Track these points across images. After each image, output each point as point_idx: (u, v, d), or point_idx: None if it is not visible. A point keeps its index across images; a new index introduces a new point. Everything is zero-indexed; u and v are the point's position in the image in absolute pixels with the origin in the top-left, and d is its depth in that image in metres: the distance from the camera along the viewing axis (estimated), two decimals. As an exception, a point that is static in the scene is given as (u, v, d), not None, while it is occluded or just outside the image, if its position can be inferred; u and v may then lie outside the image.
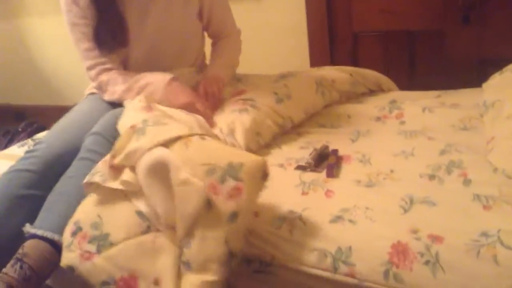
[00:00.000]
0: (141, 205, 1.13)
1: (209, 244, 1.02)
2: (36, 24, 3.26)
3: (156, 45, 1.57)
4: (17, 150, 1.63)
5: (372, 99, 1.73)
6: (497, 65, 1.63)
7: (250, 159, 1.07)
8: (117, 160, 1.14)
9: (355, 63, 2.35)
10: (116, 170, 1.16)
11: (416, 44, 2.23)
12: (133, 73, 1.50)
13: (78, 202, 1.20)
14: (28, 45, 3.37)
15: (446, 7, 2.10)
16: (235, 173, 1.02)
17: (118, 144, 1.17)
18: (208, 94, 1.50)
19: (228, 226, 1.01)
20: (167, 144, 1.11)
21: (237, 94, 1.59)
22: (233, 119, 1.41)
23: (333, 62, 2.41)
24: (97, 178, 1.16)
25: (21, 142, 1.72)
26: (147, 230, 1.12)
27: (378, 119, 1.58)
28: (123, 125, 1.25)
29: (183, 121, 1.23)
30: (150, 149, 1.10)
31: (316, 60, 2.43)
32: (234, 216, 1.01)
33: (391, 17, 2.23)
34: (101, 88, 1.53)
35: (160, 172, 1.07)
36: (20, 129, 3.02)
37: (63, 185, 1.26)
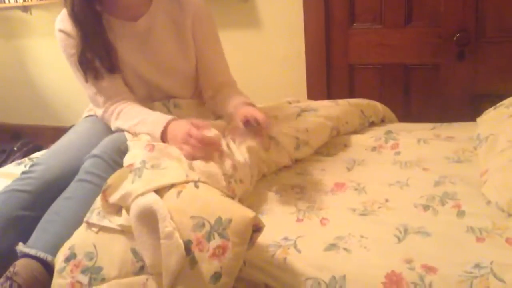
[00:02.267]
0: (136, 245, 1.11)
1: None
2: (37, 45, 3.29)
3: (154, 80, 1.57)
4: (13, 169, 1.62)
5: (368, 129, 1.75)
6: (491, 100, 1.66)
7: (240, 215, 1.02)
8: (111, 200, 1.13)
9: (351, 94, 2.38)
10: (111, 206, 1.15)
11: (411, 77, 2.27)
12: (135, 109, 1.47)
13: (74, 224, 1.19)
14: (28, 65, 3.40)
15: (441, 42, 2.14)
16: (222, 230, 1.00)
17: (112, 179, 1.16)
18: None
19: (210, 286, 0.98)
20: (160, 190, 1.09)
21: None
22: (252, 148, 1.41)
23: (330, 92, 2.44)
24: (94, 218, 1.15)
25: (18, 161, 1.72)
26: (140, 271, 1.10)
27: (374, 149, 1.59)
28: (126, 161, 1.24)
29: (182, 162, 1.20)
30: (142, 194, 1.09)
31: (313, 89, 2.46)
32: (217, 277, 0.98)
33: (387, 50, 2.27)
34: (106, 119, 1.52)
35: (149, 220, 1.06)
36: (15, 148, 3.02)
37: (60, 206, 1.25)
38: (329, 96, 2.42)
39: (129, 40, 1.52)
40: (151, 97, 1.58)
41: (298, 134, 1.56)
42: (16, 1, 3.01)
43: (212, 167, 1.21)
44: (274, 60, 2.57)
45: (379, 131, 1.71)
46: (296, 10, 2.41)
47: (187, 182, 1.12)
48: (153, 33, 1.54)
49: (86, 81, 1.48)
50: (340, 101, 1.82)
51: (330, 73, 2.44)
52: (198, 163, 1.20)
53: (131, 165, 1.18)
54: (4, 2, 3.05)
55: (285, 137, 1.53)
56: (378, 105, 1.87)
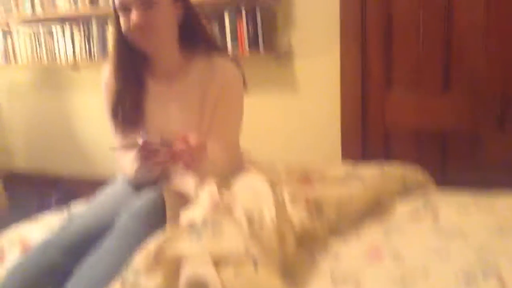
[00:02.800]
0: None
1: None
2: (82, 100, 3.43)
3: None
4: (50, 218, 1.65)
5: (407, 195, 1.71)
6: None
7: None
8: (168, 253, 1.13)
9: (387, 157, 2.36)
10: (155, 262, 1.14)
11: (449, 143, 2.24)
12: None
13: (107, 280, 1.18)
14: (71, 119, 3.53)
15: (481, 109, 2.13)
16: None
17: (170, 233, 1.17)
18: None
19: None
20: (217, 262, 1.09)
21: (303, 181, 1.59)
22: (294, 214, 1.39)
23: (365, 154, 2.42)
24: (130, 279, 1.14)
25: (54, 210, 1.75)
26: None
27: (412, 216, 1.55)
28: (188, 216, 1.26)
29: (243, 225, 1.20)
30: (198, 262, 1.09)
31: (348, 151, 2.45)
32: None
33: (425, 115, 2.26)
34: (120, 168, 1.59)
35: None
36: (52, 196, 3.10)
37: (94, 260, 1.26)
38: (364, 158, 2.40)
39: (159, 100, 1.55)
40: None
41: (341, 205, 1.52)
42: (68, 61, 3.18)
43: (272, 239, 1.22)
44: (309, 121, 2.60)
45: (417, 197, 1.67)
46: (333, 72, 2.45)
47: (246, 256, 1.11)
48: (180, 98, 1.55)
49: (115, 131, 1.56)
50: (386, 168, 1.79)
51: (366, 136, 2.44)
52: (258, 231, 1.21)
53: (192, 221, 1.18)
54: (56, 60, 3.22)
55: (328, 207, 1.49)
56: (420, 173, 1.84)
